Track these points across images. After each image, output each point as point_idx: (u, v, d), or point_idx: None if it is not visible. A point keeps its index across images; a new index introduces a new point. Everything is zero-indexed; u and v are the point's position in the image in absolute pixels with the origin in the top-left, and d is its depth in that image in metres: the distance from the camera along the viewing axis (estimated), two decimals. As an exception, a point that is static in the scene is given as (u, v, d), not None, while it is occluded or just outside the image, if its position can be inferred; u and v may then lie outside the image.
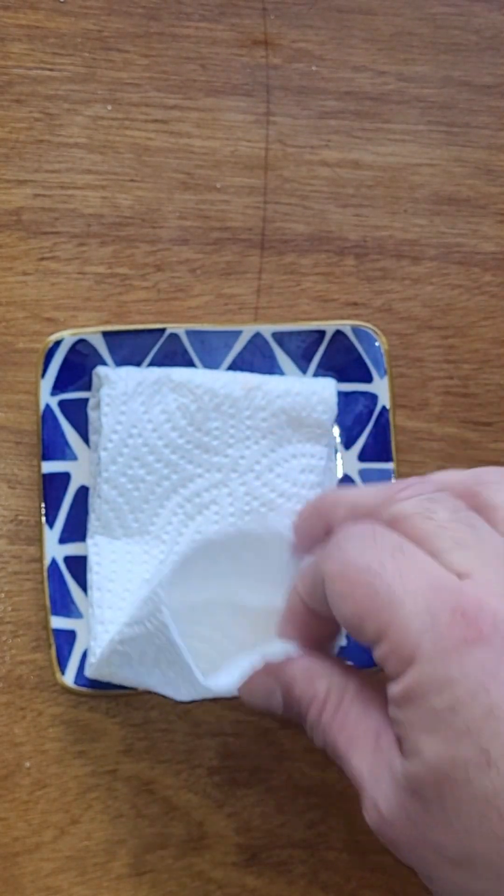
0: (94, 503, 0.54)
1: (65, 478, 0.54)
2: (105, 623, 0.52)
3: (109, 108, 0.57)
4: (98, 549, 0.53)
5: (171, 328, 0.54)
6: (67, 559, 0.53)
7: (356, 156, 0.58)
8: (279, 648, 0.47)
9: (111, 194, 0.57)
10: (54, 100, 0.57)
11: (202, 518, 0.54)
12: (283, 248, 0.58)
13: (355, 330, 0.55)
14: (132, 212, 0.57)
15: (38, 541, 0.55)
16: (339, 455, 0.56)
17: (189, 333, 0.54)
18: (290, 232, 0.58)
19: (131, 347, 0.54)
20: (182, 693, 0.48)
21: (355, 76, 0.59)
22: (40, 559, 0.55)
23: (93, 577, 0.53)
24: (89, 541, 0.54)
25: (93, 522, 0.54)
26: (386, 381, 0.55)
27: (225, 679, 0.47)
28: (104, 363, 0.54)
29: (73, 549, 0.53)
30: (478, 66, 0.60)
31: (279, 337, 0.55)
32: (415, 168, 0.59)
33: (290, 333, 0.55)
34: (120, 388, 0.52)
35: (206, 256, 0.57)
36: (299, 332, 0.55)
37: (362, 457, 0.56)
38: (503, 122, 0.60)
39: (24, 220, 0.56)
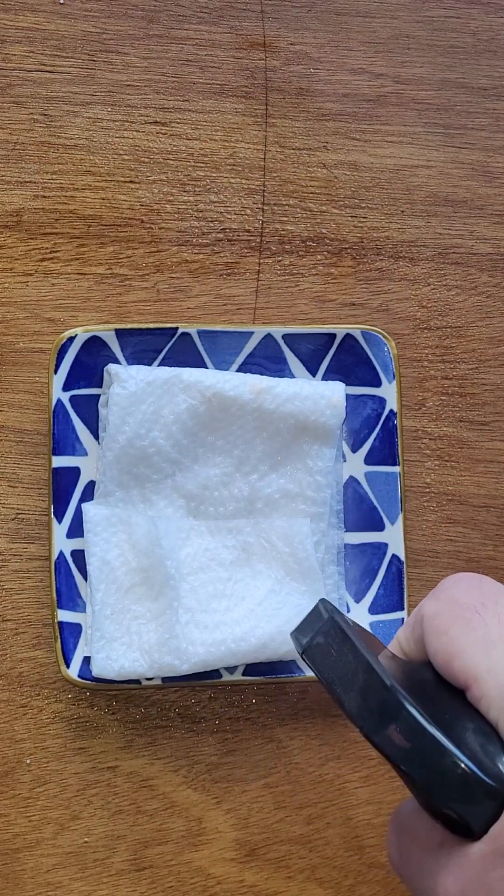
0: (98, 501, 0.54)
1: (74, 473, 0.54)
2: (102, 606, 0.52)
3: (109, 109, 0.57)
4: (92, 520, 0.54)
5: (183, 328, 0.54)
6: (75, 553, 0.54)
7: (354, 158, 0.59)
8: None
9: (111, 195, 0.57)
10: (54, 102, 0.57)
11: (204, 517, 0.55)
12: (282, 250, 0.58)
13: (365, 334, 0.55)
14: (132, 213, 0.57)
15: (39, 538, 0.55)
16: (345, 457, 0.56)
17: (200, 333, 0.54)
18: (288, 233, 0.58)
19: (143, 346, 0.54)
20: (190, 653, 0.51)
21: (353, 78, 0.59)
22: (41, 557, 0.55)
23: (91, 554, 0.53)
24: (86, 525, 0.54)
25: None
26: (394, 385, 0.55)
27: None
28: (116, 361, 0.54)
29: (80, 543, 0.54)
30: (475, 68, 0.60)
31: (289, 339, 0.55)
32: (412, 170, 0.59)
33: (301, 336, 0.55)
34: (130, 387, 0.52)
35: (205, 257, 0.57)
36: (309, 335, 0.55)
37: (369, 460, 0.56)
38: (500, 124, 0.60)
39: (24, 222, 0.56)
